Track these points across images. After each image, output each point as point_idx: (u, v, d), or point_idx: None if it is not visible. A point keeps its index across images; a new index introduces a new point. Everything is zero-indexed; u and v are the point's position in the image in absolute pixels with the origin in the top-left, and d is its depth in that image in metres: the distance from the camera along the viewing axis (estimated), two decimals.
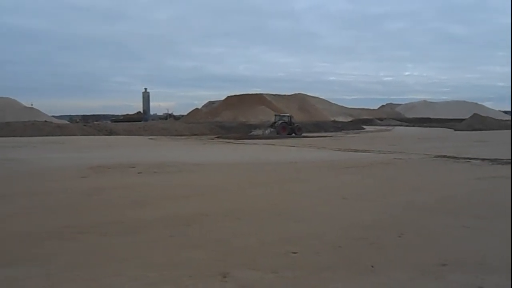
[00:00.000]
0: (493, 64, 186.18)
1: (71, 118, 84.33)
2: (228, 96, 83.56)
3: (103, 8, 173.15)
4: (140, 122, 52.60)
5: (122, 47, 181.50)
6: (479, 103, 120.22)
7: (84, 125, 42.28)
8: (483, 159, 14.95)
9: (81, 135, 35.02)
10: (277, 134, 36.48)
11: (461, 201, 7.89)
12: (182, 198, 8.23)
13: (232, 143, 27.77)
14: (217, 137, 34.64)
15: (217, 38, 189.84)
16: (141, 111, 75.35)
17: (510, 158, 14.53)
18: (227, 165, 14.41)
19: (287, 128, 37.96)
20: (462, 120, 60.57)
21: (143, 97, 74.81)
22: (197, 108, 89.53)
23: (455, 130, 49.07)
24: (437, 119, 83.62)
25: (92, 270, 4.26)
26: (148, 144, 26.97)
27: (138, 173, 11.91)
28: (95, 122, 51.94)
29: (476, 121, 53.37)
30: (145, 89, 75.41)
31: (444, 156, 16.24)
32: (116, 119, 74.19)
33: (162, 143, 27.87)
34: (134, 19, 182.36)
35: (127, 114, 78.49)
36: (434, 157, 16.20)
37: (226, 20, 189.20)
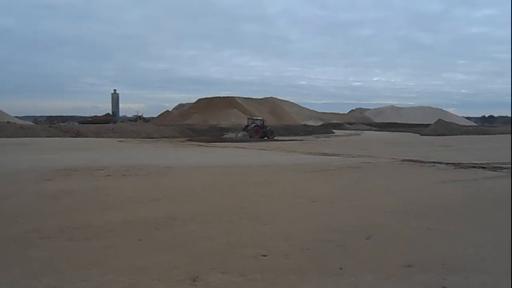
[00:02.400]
0: (456, 72, 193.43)
1: (35, 119, 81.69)
2: (199, 99, 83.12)
3: (71, 6, 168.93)
4: (109, 124, 51.51)
5: (91, 47, 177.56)
6: (444, 109, 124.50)
7: (50, 127, 40.99)
8: (447, 163, 15.47)
9: (46, 137, 33.96)
10: (250, 137, 36.54)
11: (426, 204, 8.13)
12: (151, 202, 8.11)
13: (203, 146, 27.61)
14: (188, 140, 34.35)
15: (188, 40, 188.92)
16: (110, 112, 73.88)
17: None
18: (197, 168, 14.31)
19: (259, 132, 38.09)
20: (427, 125, 62.56)
21: (112, 99, 73.45)
22: (167, 111, 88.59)
23: (421, 135, 50.57)
24: (404, 124, 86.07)
25: (57, 276, 4.14)
26: (117, 146, 26.45)
27: (107, 176, 11.66)
28: (61, 124, 50.47)
29: (441, 126, 55.25)
30: (115, 90, 74.19)
31: (411, 160, 16.70)
32: (83, 120, 72.39)
33: (132, 145, 27.40)
34: (104, 19, 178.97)
35: (96, 116, 76.79)
36: (401, 161, 16.63)
37: (198, 23, 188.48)
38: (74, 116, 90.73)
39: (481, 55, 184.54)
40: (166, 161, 16.05)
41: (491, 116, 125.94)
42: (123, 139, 34.55)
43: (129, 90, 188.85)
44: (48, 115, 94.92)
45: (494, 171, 13.50)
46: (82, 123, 59.00)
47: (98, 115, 77.70)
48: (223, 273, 4.26)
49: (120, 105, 75.59)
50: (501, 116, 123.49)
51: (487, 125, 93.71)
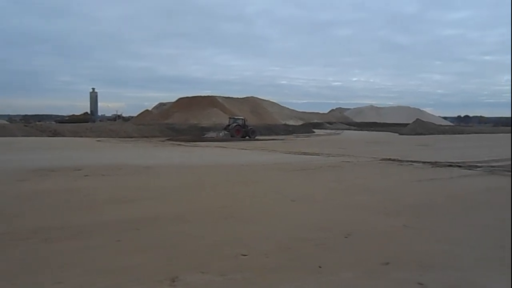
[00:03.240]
0: (432, 73, 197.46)
1: (10, 118, 79.67)
2: (180, 98, 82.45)
3: (45, 2, 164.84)
4: (87, 123, 50.65)
5: (66, 44, 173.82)
6: (421, 109, 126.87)
7: (25, 126, 40.01)
8: (424, 162, 15.78)
9: (21, 136, 33.15)
10: (231, 136, 36.44)
11: (404, 202, 8.28)
12: (130, 202, 8.02)
13: (184, 145, 27.41)
14: (168, 140, 34.03)
15: (168, 39, 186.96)
16: (88, 111, 72.67)
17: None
18: (177, 167, 14.21)
19: (241, 131, 38.02)
20: (406, 124, 63.61)
21: (91, 97, 72.30)
22: (147, 110, 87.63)
23: (400, 134, 51.40)
24: (383, 123, 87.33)
25: (32, 278, 4.06)
26: (95, 146, 26.02)
27: (84, 176, 11.46)
28: (37, 123, 49.30)
29: (419, 126, 56.29)
30: (93, 89, 73.01)
31: (390, 159, 16.96)
32: (61, 119, 70.99)
33: (111, 145, 27.00)
34: (81, 16, 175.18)
35: (73, 115, 75.38)
36: (380, 160, 16.88)
37: (177, 21, 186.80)
38: (51, 115, 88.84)
39: (455, 57, 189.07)
40: (146, 161, 15.88)
41: (466, 116, 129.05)
42: (102, 138, 34.01)
43: (107, 89, 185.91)
44: (23, 114, 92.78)
45: (470, 169, 13.84)
46: (59, 122, 57.80)
47: (76, 114, 76.32)
48: (203, 272, 4.24)
49: (99, 104, 74.56)
50: (476, 116, 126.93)
51: (462, 124, 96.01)
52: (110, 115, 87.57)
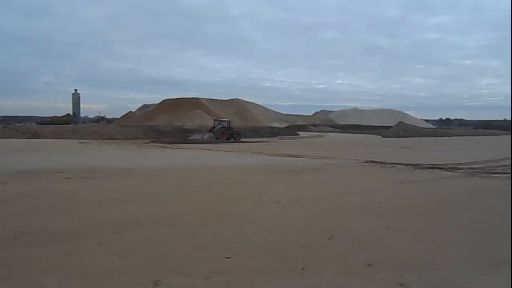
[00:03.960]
0: (414, 76, 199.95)
1: None
2: (164, 100, 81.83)
3: (27, 2, 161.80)
4: (69, 125, 49.87)
5: (49, 44, 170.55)
6: (404, 111, 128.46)
7: (5, 127, 39.15)
8: (407, 164, 15.98)
9: (1, 138, 32.45)
10: (216, 138, 36.33)
11: (386, 204, 8.36)
12: (113, 205, 7.92)
13: (168, 147, 27.22)
14: (152, 141, 33.75)
15: (152, 40, 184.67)
16: (71, 113, 71.58)
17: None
18: (161, 170, 14.09)
19: (226, 133, 37.92)
20: (389, 127, 64.32)
21: (73, 99, 71.25)
22: (131, 111, 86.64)
23: (383, 136, 51.97)
24: (366, 126, 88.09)
25: (10, 283, 3.97)
26: (77, 148, 25.64)
27: (66, 178, 11.28)
28: (17, 124, 48.33)
29: (401, 128, 57.01)
30: (75, 90, 71.95)
31: (373, 161, 17.14)
32: (42, 121, 69.65)
33: (93, 147, 26.63)
34: (63, 16, 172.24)
35: (55, 116, 74.10)
36: (364, 162, 17.03)
37: (162, 22, 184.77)
38: (32, 117, 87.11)
39: (436, 60, 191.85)
40: (129, 163, 15.72)
41: (447, 119, 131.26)
42: (84, 140, 33.53)
43: (90, 90, 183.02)
44: (3, 115, 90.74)
45: (451, 171, 14.07)
46: (40, 124, 56.76)
47: (58, 115, 75.07)
48: (186, 276, 4.21)
49: (81, 105, 73.45)
50: (456, 119, 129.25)
51: (444, 127, 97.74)
52: (93, 116, 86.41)
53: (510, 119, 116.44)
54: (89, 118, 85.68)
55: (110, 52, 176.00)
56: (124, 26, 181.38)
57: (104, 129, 42.88)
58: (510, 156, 20.69)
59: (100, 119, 77.29)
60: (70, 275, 4.18)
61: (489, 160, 18.40)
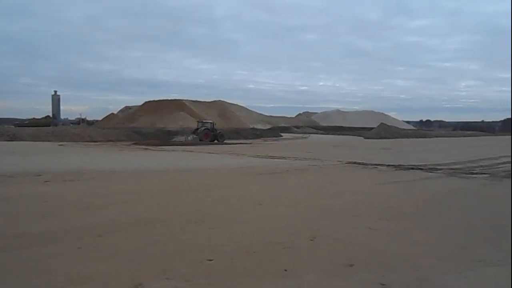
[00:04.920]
0: (395, 78, 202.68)
1: None
2: (146, 102, 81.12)
3: (6, 2, 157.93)
4: (49, 127, 48.95)
5: (28, 45, 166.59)
6: (386, 113, 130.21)
7: None
8: (388, 165, 16.19)
9: None
10: (200, 140, 36.15)
11: (368, 205, 8.46)
12: (94, 208, 7.80)
13: (150, 149, 26.96)
14: (134, 144, 33.39)
15: (134, 41, 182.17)
16: (50, 115, 70.23)
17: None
18: (143, 172, 13.95)
19: (210, 135, 37.78)
20: (371, 128, 65.18)
21: (53, 100, 69.86)
22: (112, 113, 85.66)
23: (365, 138, 52.54)
24: (349, 127, 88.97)
25: None
26: (57, 150, 25.18)
27: (45, 181, 11.06)
28: None
29: (383, 130, 57.84)
30: (55, 91, 70.48)
31: (355, 163, 17.32)
32: (20, 123, 68.10)
33: (74, 149, 26.19)
34: (42, 16, 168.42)
35: (34, 118, 72.59)
36: (346, 163, 17.19)
37: (143, 24, 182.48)
38: (9, 118, 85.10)
39: (417, 63, 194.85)
40: (111, 165, 15.52)
41: (428, 120, 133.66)
42: (65, 143, 32.94)
43: (71, 92, 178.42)
44: None
45: (431, 172, 14.32)
46: (18, 126, 55.51)
47: (37, 117, 73.58)
48: (168, 279, 4.17)
49: (62, 107, 71.84)
50: (437, 121, 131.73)
51: (424, 128, 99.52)
52: (73, 118, 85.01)
53: (487, 120, 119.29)
54: (70, 120, 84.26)
55: (91, 53, 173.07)
56: (105, 27, 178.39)
57: (85, 131, 42.23)
58: (487, 157, 21.19)
59: (81, 121, 76.07)
60: (49, 280, 4.10)
61: (468, 160, 18.80)
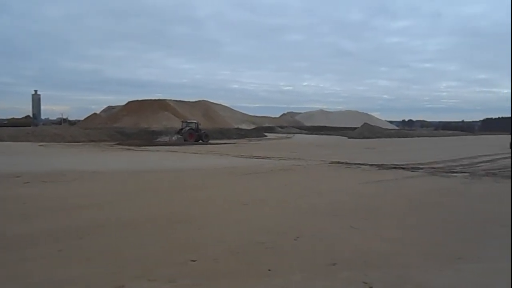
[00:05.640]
0: (378, 78, 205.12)
1: None
2: (130, 101, 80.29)
3: None
4: (29, 127, 48.00)
5: (7, 43, 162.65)
6: (369, 113, 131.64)
7: None
8: (371, 165, 16.36)
9: None
10: (185, 140, 35.93)
11: (351, 204, 8.53)
12: (75, 209, 7.68)
13: (134, 150, 26.69)
14: (117, 144, 33.01)
15: (116, 40, 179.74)
16: (31, 115, 68.86)
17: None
18: (126, 173, 13.80)
19: (194, 135, 37.58)
20: (354, 128, 65.74)
21: (33, 100, 68.46)
22: (95, 113, 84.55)
23: (348, 137, 52.98)
24: (333, 127, 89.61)
25: None
26: (37, 151, 24.72)
27: (24, 183, 10.85)
28: None
29: (366, 129, 58.39)
30: (35, 91, 69.00)
31: (339, 162, 17.45)
32: None
33: (55, 150, 25.75)
34: (22, 14, 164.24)
35: (13, 118, 71.19)
36: (330, 163, 17.31)
37: (125, 22, 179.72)
38: None
39: (399, 63, 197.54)
40: (93, 166, 15.31)
41: (410, 120, 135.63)
42: (45, 143, 32.36)
43: (52, 91, 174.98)
44: None
45: (413, 171, 14.53)
46: None
47: (17, 117, 72.17)
48: (151, 280, 4.13)
49: (42, 107, 70.36)
50: (418, 120, 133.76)
51: (407, 128, 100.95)
52: (55, 118, 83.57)
53: (467, 120, 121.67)
54: (51, 120, 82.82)
55: (72, 52, 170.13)
56: (86, 26, 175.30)
57: (67, 131, 41.55)
58: (468, 156, 21.61)
59: (62, 121, 74.85)
60: (29, 284, 4.02)
61: (449, 160, 19.13)
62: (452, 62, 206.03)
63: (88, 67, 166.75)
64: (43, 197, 8.93)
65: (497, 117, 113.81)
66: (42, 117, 73.43)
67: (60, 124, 69.24)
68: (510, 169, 15.38)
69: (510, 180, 11.76)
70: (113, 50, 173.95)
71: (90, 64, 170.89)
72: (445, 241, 5.79)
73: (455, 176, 13.37)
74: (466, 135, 72.83)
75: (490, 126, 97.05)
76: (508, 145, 29.24)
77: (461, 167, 16.19)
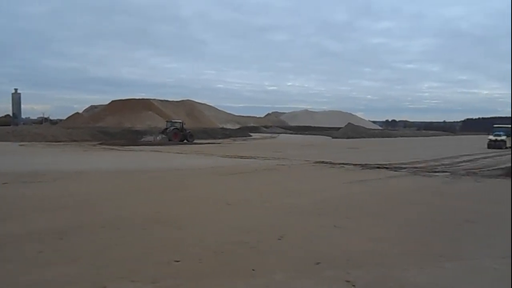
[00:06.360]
0: (362, 79, 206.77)
1: None
2: (113, 101, 79.39)
3: None
4: (9, 127, 47.03)
5: None
6: (353, 113, 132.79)
7: None
8: (355, 164, 16.51)
9: None
10: (169, 140, 35.66)
11: (335, 203, 8.59)
12: (56, 210, 7.55)
13: (117, 149, 26.38)
14: (100, 144, 32.59)
15: (98, 38, 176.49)
16: (10, 114, 67.49)
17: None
18: (109, 173, 13.64)
19: (179, 135, 37.32)
20: (338, 128, 66.27)
21: (13, 99, 67.10)
22: (77, 113, 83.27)
23: (333, 137, 53.38)
24: (317, 127, 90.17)
25: None
26: (17, 151, 24.22)
27: (3, 184, 10.61)
28: None
29: (350, 129, 58.95)
30: (15, 89, 67.68)
31: (323, 162, 17.56)
32: None
33: (35, 150, 25.28)
34: (0, 11, 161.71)
35: None
36: (314, 163, 17.40)
37: (108, 21, 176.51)
38: None
39: (382, 64, 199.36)
40: (75, 166, 15.08)
41: (393, 120, 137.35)
42: (26, 143, 31.74)
43: (32, 90, 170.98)
44: None
45: (395, 171, 14.71)
46: None
47: None
48: (133, 281, 4.09)
49: (23, 106, 69.01)
50: (401, 121, 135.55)
51: (390, 128, 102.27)
52: (35, 118, 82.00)
53: (449, 121, 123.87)
54: (32, 119, 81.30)
55: (53, 50, 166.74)
56: (68, 23, 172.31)
57: (48, 130, 40.79)
58: (449, 156, 21.98)
59: (43, 120, 73.56)
60: (10, 285, 3.93)
61: (431, 159, 19.44)
62: (434, 63, 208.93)
63: (71, 65, 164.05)
64: (24, 198, 8.76)
65: (477, 117, 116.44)
66: (23, 116, 72.04)
67: (41, 123, 67.98)
68: (490, 169, 15.71)
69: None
70: (96, 49, 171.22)
71: (73, 63, 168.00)
72: (426, 240, 5.87)
73: (437, 175, 13.59)
74: (447, 135, 74.16)
75: (471, 126, 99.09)
76: (485, 146, 29.99)
77: (443, 166, 16.46)
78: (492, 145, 29.89)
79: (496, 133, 31.24)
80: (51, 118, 79.00)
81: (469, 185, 11.60)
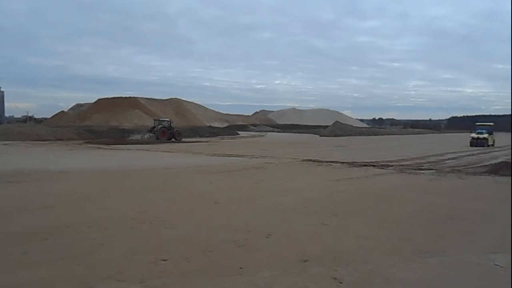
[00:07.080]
0: (349, 77, 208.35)
1: None
2: (99, 99, 78.67)
3: None
4: None
5: None
6: (340, 111, 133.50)
7: None
8: (342, 162, 16.62)
9: None
10: (157, 139, 35.42)
11: (323, 201, 8.64)
12: (40, 210, 7.45)
13: (103, 148, 26.11)
14: (86, 142, 32.22)
15: (83, 36, 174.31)
16: None
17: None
18: (95, 172, 13.49)
19: (167, 133, 37.10)
20: (326, 126, 66.53)
21: None
22: (63, 111, 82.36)
23: (320, 135, 53.63)
24: (305, 125, 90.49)
25: None
26: (1, 150, 23.82)
27: None
28: None
29: (338, 128, 59.21)
30: None
31: (310, 160, 17.63)
32: None
33: (19, 149, 24.88)
34: None
35: None
36: (302, 161, 17.47)
37: (92, 18, 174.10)
38: None
39: (368, 63, 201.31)
40: (60, 166, 14.89)
41: (380, 119, 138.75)
42: (9, 142, 31.23)
43: (15, 88, 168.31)
44: None
45: (382, 168, 14.85)
46: None
47: None
48: (120, 281, 4.06)
49: (6, 104, 68.35)
50: (388, 119, 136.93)
51: (377, 126, 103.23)
52: (19, 116, 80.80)
53: (434, 119, 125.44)
54: (15, 118, 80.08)
55: (36, 48, 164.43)
56: (51, 21, 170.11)
57: (32, 129, 40.16)
58: (435, 153, 22.27)
59: (27, 119, 72.46)
60: None
61: (417, 157, 19.67)
62: (419, 62, 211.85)
63: (54, 63, 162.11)
64: (7, 198, 8.62)
65: (462, 115, 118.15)
66: (6, 115, 70.95)
67: (26, 122, 66.94)
68: (474, 166, 15.97)
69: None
70: (80, 46, 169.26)
71: (56, 60, 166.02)
72: (411, 236, 5.95)
73: (423, 173, 13.76)
74: (433, 133, 75.11)
75: (456, 124, 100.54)
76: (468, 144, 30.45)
77: (429, 164, 16.68)
78: (475, 143, 30.34)
79: (478, 131, 31.73)
80: (35, 116, 77.91)
81: (453, 182, 11.77)
